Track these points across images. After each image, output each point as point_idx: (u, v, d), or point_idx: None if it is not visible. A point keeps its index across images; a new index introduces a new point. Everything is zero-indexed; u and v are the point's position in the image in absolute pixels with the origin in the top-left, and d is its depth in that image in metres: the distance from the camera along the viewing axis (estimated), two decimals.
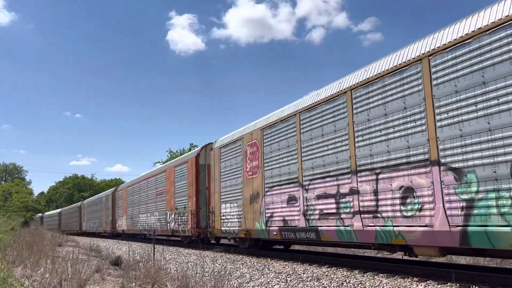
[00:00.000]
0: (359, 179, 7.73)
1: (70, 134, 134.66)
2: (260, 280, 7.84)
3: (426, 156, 6.42)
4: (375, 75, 7.52)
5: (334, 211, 8.34)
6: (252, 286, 7.45)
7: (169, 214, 18.09)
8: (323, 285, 6.82)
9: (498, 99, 5.45)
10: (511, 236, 5.15)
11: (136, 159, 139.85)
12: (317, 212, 8.85)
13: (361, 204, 7.63)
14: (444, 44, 6.24)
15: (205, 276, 7.32)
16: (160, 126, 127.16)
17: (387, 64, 7.34)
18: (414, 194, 6.59)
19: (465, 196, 5.79)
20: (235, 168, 12.73)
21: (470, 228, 5.68)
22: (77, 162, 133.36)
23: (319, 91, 9.28)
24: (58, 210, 59.22)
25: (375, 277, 6.97)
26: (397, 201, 6.90)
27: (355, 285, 6.56)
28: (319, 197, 8.81)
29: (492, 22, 5.58)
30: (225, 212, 13.19)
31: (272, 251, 12.24)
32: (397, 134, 6.99)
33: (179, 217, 16.82)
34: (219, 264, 10.15)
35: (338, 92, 8.46)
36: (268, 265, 9.32)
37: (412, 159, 6.68)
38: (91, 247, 15.28)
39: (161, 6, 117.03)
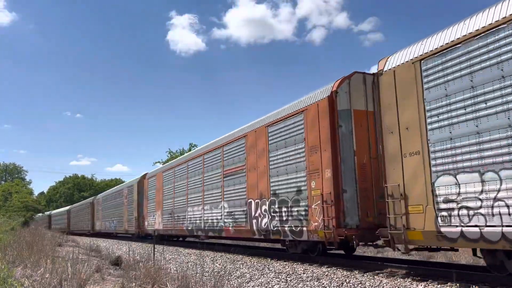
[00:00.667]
0: None
1: (70, 134, 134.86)
2: (260, 280, 7.84)
3: None
4: None
5: None
6: (252, 286, 7.45)
7: (256, 205, 11.65)
8: (323, 285, 6.82)
9: None
10: None
11: (136, 159, 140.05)
12: None
13: None
14: None
15: (205, 276, 7.33)
16: (160, 126, 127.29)
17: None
18: None
19: None
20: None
21: None
22: (77, 162, 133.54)
23: None
24: (67, 207, 54.10)
25: (375, 277, 6.97)
26: None
27: (355, 285, 6.56)
28: None
29: None
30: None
31: (271, 250, 12.19)
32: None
33: (284, 209, 10.30)
34: (219, 264, 10.16)
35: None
36: (268, 265, 9.31)
37: None
38: (91, 247, 15.29)
39: (161, 6, 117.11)
